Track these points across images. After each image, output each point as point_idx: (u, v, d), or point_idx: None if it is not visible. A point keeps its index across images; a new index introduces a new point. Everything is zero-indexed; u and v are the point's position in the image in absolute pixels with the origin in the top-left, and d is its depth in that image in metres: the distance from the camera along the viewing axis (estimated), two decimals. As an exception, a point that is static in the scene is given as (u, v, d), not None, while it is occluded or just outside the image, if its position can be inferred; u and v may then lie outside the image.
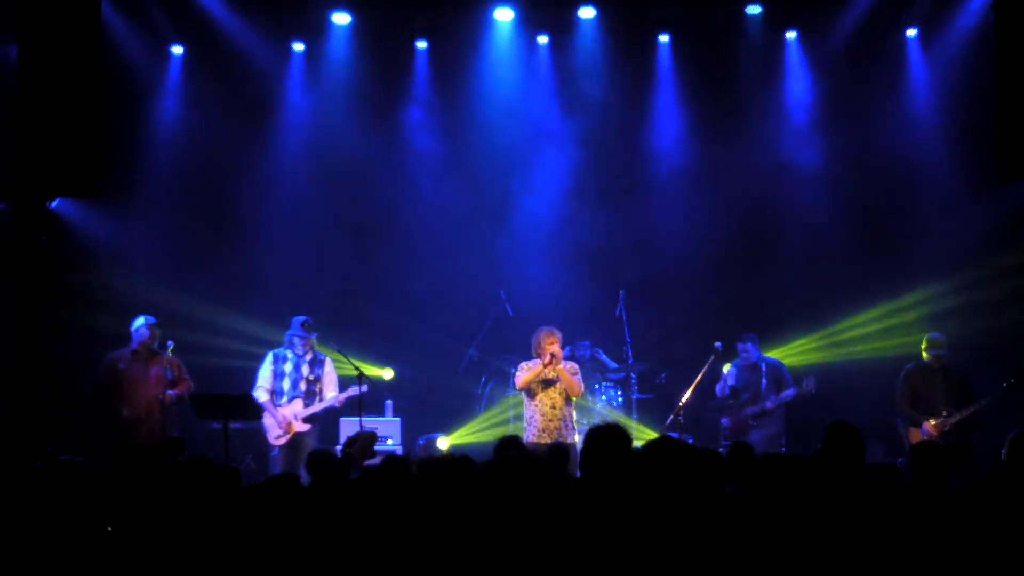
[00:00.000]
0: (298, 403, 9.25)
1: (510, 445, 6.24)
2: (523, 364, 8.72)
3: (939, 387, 9.27)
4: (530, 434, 8.56)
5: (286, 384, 9.28)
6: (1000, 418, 8.65)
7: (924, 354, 9.38)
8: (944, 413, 9.15)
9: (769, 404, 9.91)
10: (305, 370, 9.32)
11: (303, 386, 9.28)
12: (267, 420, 9.23)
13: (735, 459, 5.56)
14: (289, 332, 9.37)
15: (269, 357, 9.38)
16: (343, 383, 9.38)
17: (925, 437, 9.09)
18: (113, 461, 8.61)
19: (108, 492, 4.36)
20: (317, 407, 9.28)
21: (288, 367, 9.31)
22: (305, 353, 9.33)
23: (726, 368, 10.15)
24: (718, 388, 10.23)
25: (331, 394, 9.33)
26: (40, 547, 4.08)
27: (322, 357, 9.44)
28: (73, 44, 9.37)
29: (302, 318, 9.36)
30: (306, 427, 9.24)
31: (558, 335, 8.60)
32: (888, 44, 11.15)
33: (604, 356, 11.05)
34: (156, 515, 4.39)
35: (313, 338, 9.35)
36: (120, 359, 9.08)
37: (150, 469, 4.95)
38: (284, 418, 9.16)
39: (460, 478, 3.37)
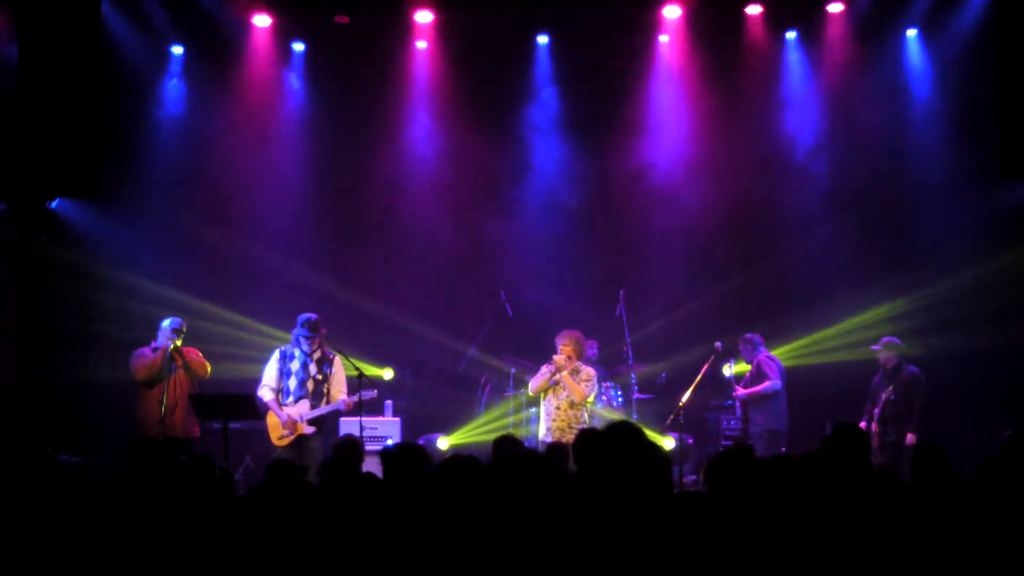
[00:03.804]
0: (304, 403, 8.84)
1: (508, 445, 6.25)
2: (542, 368, 8.89)
3: (884, 389, 9.61)
4: (538, 432, 8.79)
5: (292, 383, 8.87)
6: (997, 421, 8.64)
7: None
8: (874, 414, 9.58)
9: (737, 390, 10.07)
10: (312, 369, 8.93)
11: (310, 385, 8.90)
12: (270, 420, 8.84)
13: (732, 459, 5.53)
14: (294, 331, 9.00)
15: (276, 355, 8.99)
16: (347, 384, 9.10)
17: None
18: (131, 456, 8.54)
19: (110, 489, 4.36)
20: (323, 409, 8.89)
21: (295, 365, 8.91)
22: (313, 351, 8.93)
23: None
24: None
25: (338, 395, 8.94)
26: (38, 543, 4.08)
27: (331, 355, 9.01)
28: (73, 44, 9.37)
29: (305, 316, 8.96)
30: (311, 429, 8.85)
31: (570, 338, 8.72)
32: (888, 44, 11.14)
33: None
34: (156, 513, 4.39)
35: (318, 336, 8.93)
36: (145, 356, 8.97)
37: (156, 466, 4.94)
38: (290, 418, 8.79)
39: (467, 478, 3.34)
